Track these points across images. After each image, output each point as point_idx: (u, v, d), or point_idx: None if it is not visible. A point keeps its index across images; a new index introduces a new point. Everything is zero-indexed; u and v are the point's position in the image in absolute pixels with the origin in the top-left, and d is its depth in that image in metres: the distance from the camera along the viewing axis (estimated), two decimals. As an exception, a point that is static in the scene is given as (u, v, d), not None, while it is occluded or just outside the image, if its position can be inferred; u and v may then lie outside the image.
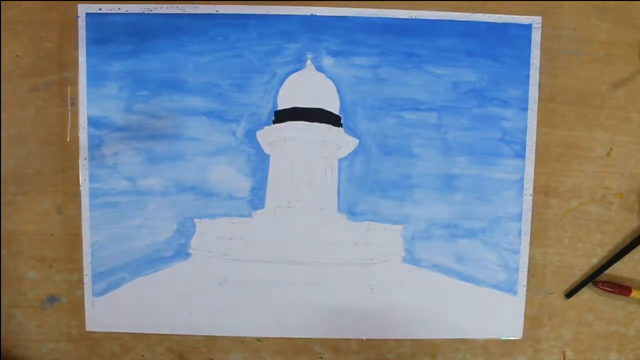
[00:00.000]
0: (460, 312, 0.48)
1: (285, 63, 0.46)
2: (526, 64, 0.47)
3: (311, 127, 0.47)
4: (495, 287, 0.48)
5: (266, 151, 0.47)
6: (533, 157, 0.47)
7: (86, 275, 0.47)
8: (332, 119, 0.47)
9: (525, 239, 0.48)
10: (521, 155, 0.47)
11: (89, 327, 0.48)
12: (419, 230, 0.47)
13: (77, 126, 0.46)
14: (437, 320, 0.48)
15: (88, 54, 0.46)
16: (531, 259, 0.48)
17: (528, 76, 0.47)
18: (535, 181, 0.47)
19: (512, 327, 0.48)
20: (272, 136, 0.47)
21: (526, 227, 0.48)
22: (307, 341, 0.48)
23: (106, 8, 0.46)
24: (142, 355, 0.48)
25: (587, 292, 0.49)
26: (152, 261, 0.47)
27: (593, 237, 0.48)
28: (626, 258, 0.48)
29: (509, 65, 0.47)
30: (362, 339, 0.48)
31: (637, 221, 0.48)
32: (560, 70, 0.47)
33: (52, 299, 0.48)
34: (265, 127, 0.46)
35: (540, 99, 0.47)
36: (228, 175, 0.47)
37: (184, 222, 0.47)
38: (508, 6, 0.46)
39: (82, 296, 0.47)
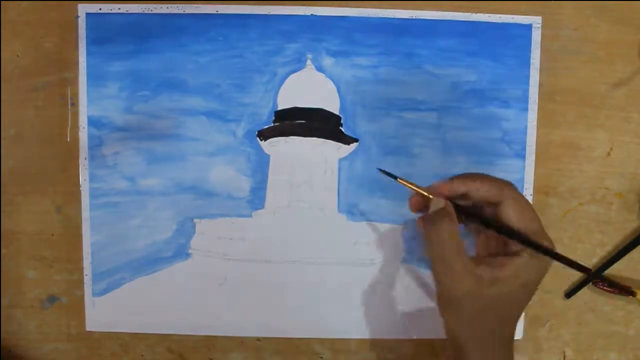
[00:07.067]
0: (460, 312, 0.48)
1: (286, 63, 0.46)
2: (526, 64, 0.47)
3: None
4: (495, 287, 0.48)
5: (266, 151, 0.47)
6: (533, 157, 0.47)
7: (86, 275, 0.47)
8: (332, 119, 0.47)
9: (525, 239, 0.48)
10: (521, 156, 0.47)
11: (89, 327, 0.48)
12: (419, 231, 0.47)
13: (77, 126, 0.46)
14: (437, 321, 0.48)
15: (88, 54, 0.46)
16: (531, 259, 0.48)
17: (528, 76, 0.47)
18: (535, 181, 0.47)
19: (512, 327, 0.48)
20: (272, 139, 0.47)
21: (526, 227, 0.47)
22: (307, 341, 0.48)
23: (106, 8, 0.46)
24: (142, 355, 0.48)
25: (587, 292, 0.49)
26: (152, 261, 0.47)
27: (593, 237, 0.48)
28: (626, 258, 0.48)
29: (509, 65, 0.47)
30: (362, 339, 0.48)
31: (637, 221, 0.48)
32: (560, 70, 0.47)
33: (52, 298, 0.48)
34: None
35: (540, 99, 0.47)
36: (228, 175, 0.47)
37: (183, 222, 0.47)
38: (508, 6, 0.46)
39: (82, 296, 0.47)
